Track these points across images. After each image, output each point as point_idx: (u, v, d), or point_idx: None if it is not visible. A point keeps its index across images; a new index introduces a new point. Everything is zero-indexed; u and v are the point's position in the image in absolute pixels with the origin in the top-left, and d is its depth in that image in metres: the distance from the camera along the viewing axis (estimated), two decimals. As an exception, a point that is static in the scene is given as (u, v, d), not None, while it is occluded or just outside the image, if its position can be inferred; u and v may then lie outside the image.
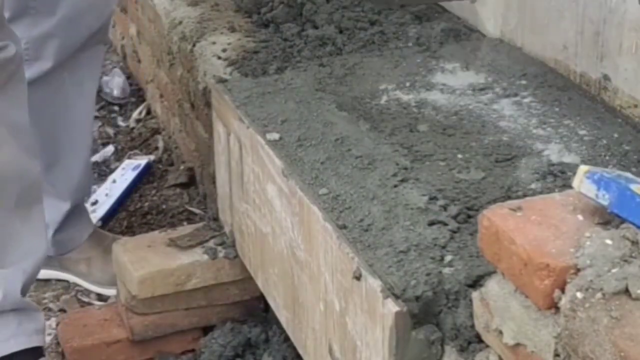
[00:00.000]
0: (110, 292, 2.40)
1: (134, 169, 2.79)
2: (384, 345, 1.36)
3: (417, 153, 1.69)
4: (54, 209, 2.35)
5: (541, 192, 1.51)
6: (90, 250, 2.43)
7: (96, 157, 2.94)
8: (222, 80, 2.03)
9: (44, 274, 2.45)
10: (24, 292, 2.03)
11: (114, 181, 2.76)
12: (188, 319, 2.14)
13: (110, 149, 3.00)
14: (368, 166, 1.64)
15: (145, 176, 2.80)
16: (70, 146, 2.36)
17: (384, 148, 1.70)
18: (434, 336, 1.35)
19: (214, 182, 2.21)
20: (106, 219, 2.63)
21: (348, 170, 1.64)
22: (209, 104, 2.17)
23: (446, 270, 1.37)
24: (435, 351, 1.36)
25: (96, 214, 2.63)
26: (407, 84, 1.95)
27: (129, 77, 3.34)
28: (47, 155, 2.29)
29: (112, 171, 2.87)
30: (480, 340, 1.29)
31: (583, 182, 1.15)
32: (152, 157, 2.87)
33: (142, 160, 2.84)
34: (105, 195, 2.70)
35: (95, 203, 2.67)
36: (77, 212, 2.41)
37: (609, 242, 1.10)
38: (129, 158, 2.88)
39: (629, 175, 1.17)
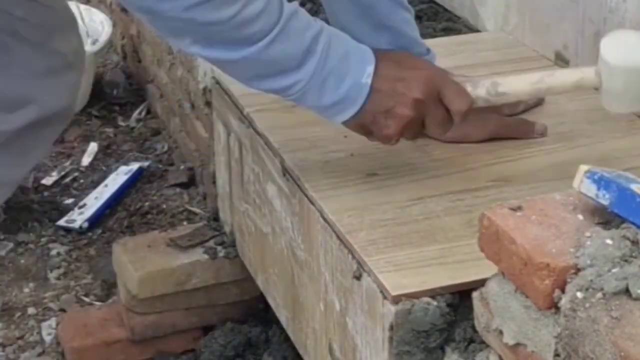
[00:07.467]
0: None
1: (126, 173, 2.80)
2: (384, 345, 1.36)
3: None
4: None
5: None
6: None
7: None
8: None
9: None
10: None
11: (106, 185, 2.76)
12: (188, 319, 2.14)
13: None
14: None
15: (138, 180, 2.80)
16: None
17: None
18: (434, 336, 1.35)
19: (214, 182, 2.21)
20: (93, 220, 2.63)
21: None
22: (209, 104, 2.17)
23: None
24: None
25: (83, 215, 2.63)
26: (407, 84, 1.94)
27: (129, 77, 3.34)
28: None
29: (106, 171, 2.86)
30: (480, 340, 1.29)
31: (583, 182, 1.15)
32: (145, 164, 2.86)
33: (135, 165, 2.84)
34: (94, 199, 2.70)
35: (82, 206, 2.67)
36: None
37: (609, 241, 1.09)
38: (125, 164, 2.87)
39: (629, 175, 1.17)
